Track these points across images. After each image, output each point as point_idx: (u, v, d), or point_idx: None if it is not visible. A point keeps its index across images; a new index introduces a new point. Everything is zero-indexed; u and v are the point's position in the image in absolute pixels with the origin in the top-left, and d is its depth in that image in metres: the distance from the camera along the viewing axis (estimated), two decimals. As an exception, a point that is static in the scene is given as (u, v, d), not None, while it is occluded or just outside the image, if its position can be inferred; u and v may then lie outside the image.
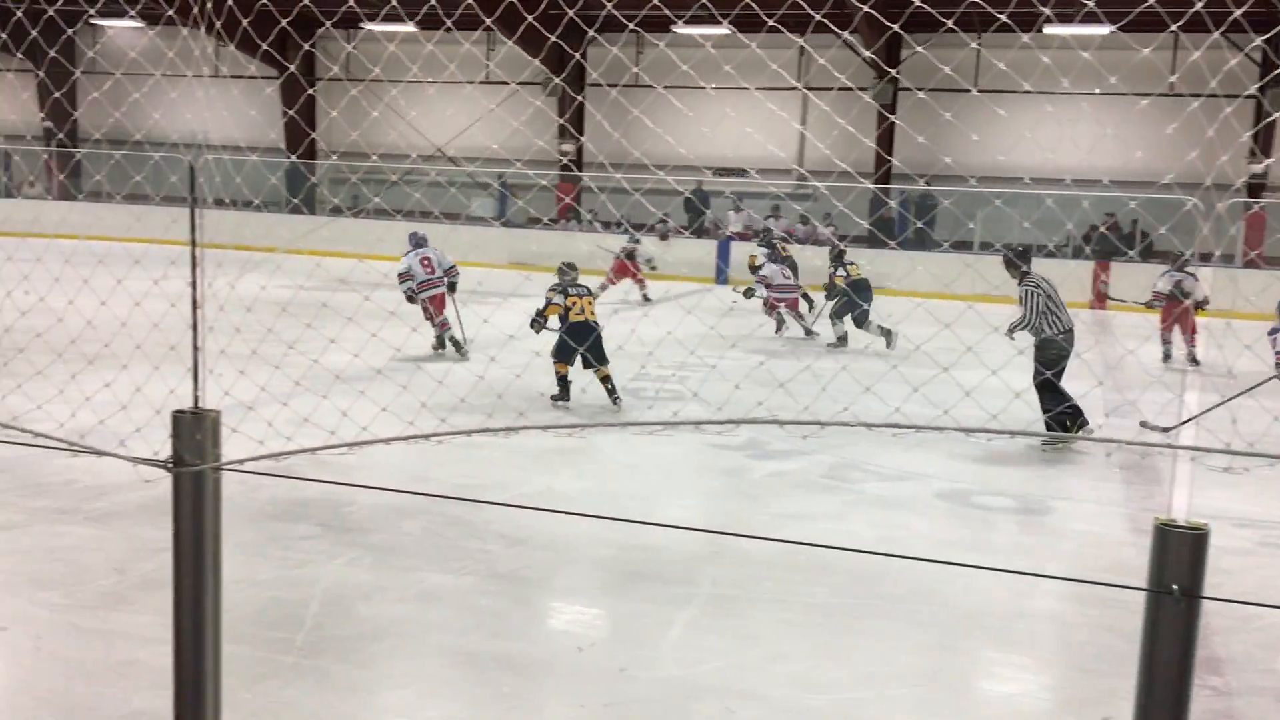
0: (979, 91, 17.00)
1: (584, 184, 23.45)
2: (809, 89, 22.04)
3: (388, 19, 20.75)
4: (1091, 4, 2.86)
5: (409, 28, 20.86)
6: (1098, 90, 17.55)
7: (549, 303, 9.67)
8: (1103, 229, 19.74)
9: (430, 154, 23.74)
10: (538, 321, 9.69)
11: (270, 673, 4.43)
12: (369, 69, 23.52)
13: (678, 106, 6.33)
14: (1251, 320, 10.06)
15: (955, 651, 5.04)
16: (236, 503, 6.49)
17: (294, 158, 23.04)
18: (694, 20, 15.87)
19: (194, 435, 1.45)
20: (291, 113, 23.29)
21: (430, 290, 11.72)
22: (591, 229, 21.89)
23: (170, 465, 1.46)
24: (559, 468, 7.70)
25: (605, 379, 9.44)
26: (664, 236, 18.42)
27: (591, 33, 3.35)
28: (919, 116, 17.55)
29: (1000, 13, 2.70)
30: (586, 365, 9.37)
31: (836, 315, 13.57)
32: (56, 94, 23.37)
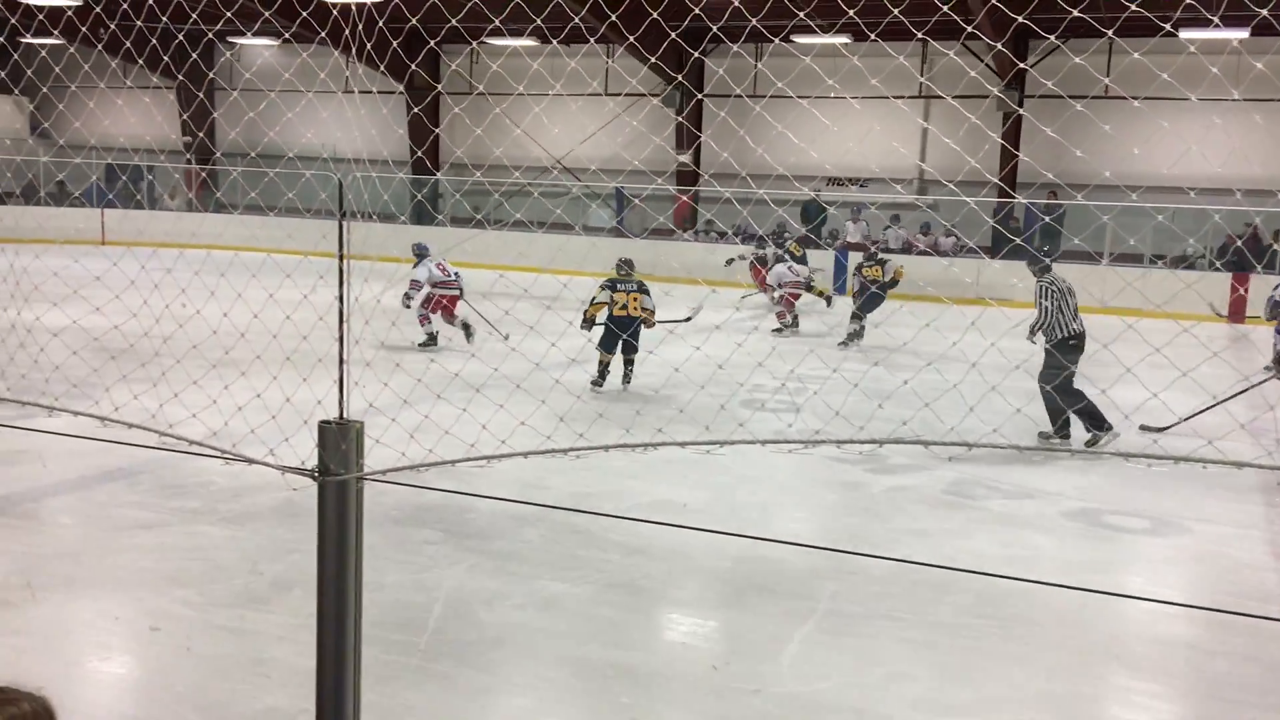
0: (1138, 101, 16.45)
1: (702, 192, 23.46)
2: (929, 96, 21.67)
3: (504, 34, 21.16)
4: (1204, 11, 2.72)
5: (527, 41, 21.23)
6: (1236, 95, 16.83)
7: (594, 300, 10.60)
8: (1239, 242, 18.90)
9: (547, 165, 24.06)
10: (587, 322, 10.55)
11: (394, 674, 4.53)
12: (493, 82, 23.95)
13: (798, 112, 6.28)
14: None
15: (1085, 678, 4.87)
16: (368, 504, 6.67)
17: (439, 174, 23.58)
18: (804, 29, 15.75)
19: (339, 445, 1.49)
20: (438, 130, 23.86)
21: (448, 290, 12.87)
22: (709, 238, 21.89)
23: (316, 474, 1.49)
24: (675, 478, 7.69)
25: (629, 362, 10.68)
26: (729, 261, 18.28)
27: (715, 30, 3.34)
28: (1045, 122, 17.06)
29: (1133, 12, 2.60)
30: (624, 351, 10.62)
31: (858, 311, 14.31)
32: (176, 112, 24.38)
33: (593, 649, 4.93)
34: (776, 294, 15.21)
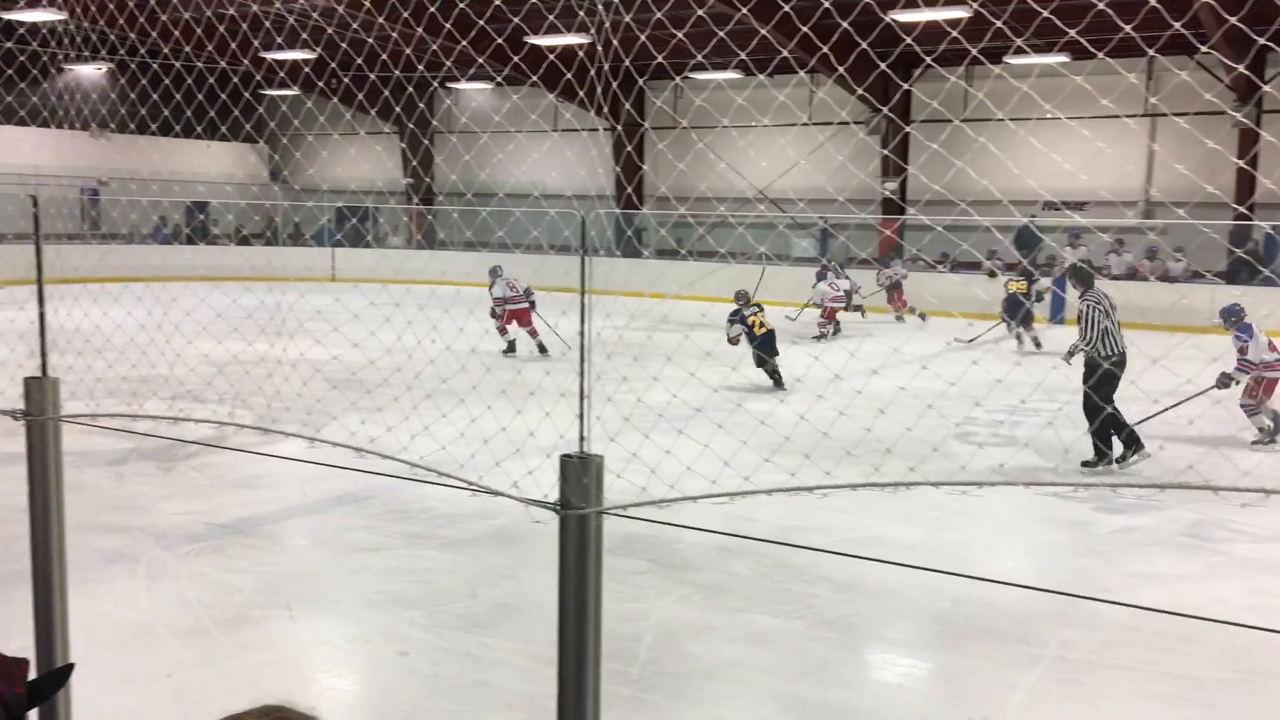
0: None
1: (908, 221, 22.98)
2: (1153, 115, 20.53)
3: (714, 66, 21.36)
4: None
5: (730, 74, 21.37)
6: None
7: (735, 337, 12.34)
8: None
9: (751, 196, 24.10)
10: (739, 331, 12.47)
11: (609, 704, 4.53)
12: (697, 116, 24.23)
13: (1008, 136, 6.05)
14: None
15: (1354, 744, 4.42)
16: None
17: (684, 211, 24.04)
18: (1019, 50, 15.21)
19: (580, 479, 1.50)
20: (646, 167, 24.37)
21: (516, 305, 14.86)
22: (916, 268, 21.36)
23: (558, 508, 1.51)
24: (886, 512, 7.49)
25: (774, 371, 12.32)
26: (991, 274, 17.66)
27: (929, 60, 3.25)
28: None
29: None
30: (768, 357, 12.30)
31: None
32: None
33: (805, 686, 4.83)
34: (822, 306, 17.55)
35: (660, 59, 3.94)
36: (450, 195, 30.47)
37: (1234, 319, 9.96)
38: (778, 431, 2.68)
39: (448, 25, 4.97)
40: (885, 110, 17.60)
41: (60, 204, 26.36)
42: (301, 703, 1.66)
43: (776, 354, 12.36)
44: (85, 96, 29.08)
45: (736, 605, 5.77)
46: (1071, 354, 9.21)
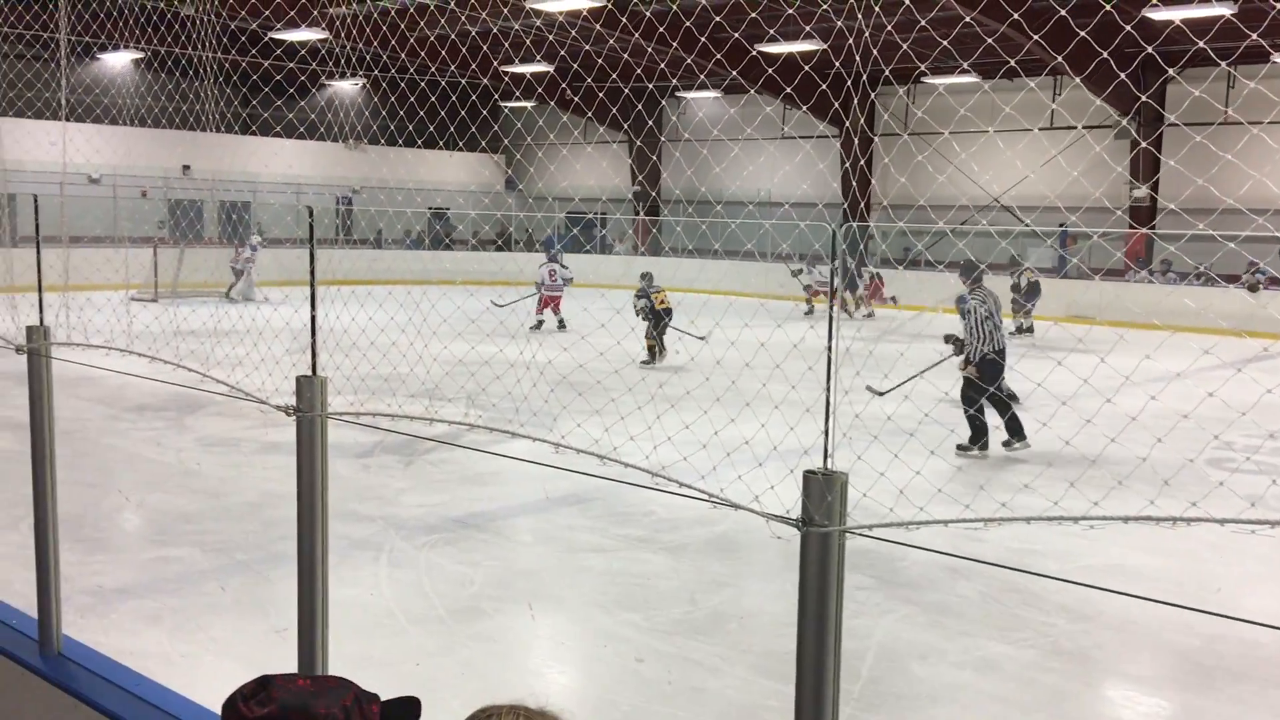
0: None
1: (1154, 232, 21.60)
2: None
3: (946, 71, 20.74)
4: None
5: (963, 78, 20.69)
6: None
7: (640, 309, 14.08)
8: None
9: (985, 204, 23.26)
10: (643, 304, 14.24)
11: (828, 721, 4.48)
12: (928, 121, 23.61)
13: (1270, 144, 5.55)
14: None
15: None
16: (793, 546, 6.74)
17: (944, 224, 23.69)
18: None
19: (824, 497, 1.47)
20: (878, 179, 24.03)
21: (552, 292, 18.05)
22: (1167, 279, 20.07)
23: (800, 524, 1.49)
24: (1129, 540, 7.02)
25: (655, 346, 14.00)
26: (1253, 289, 16.36)
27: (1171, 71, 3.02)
28: None
29: None
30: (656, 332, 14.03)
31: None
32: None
33: (1038, 719, 4.60)
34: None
35: (887, 69, 3.85)
36: (675, 203, 30.87)
37: (970, 279, 9.92)
38: (1037, 458, 2.56)
39: (670, 34, 5.03)
40: (1126, 122, 16.61)
41: (318, 212, 28.32)
42: (529, 698, 1.71)
43: (664, 332, 13.98)
44: (343, 110, 31.20)
45: (964, 629, 5.56)
46: (966, 362, 9.45)
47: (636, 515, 7.47)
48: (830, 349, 1.49)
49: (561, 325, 17.99)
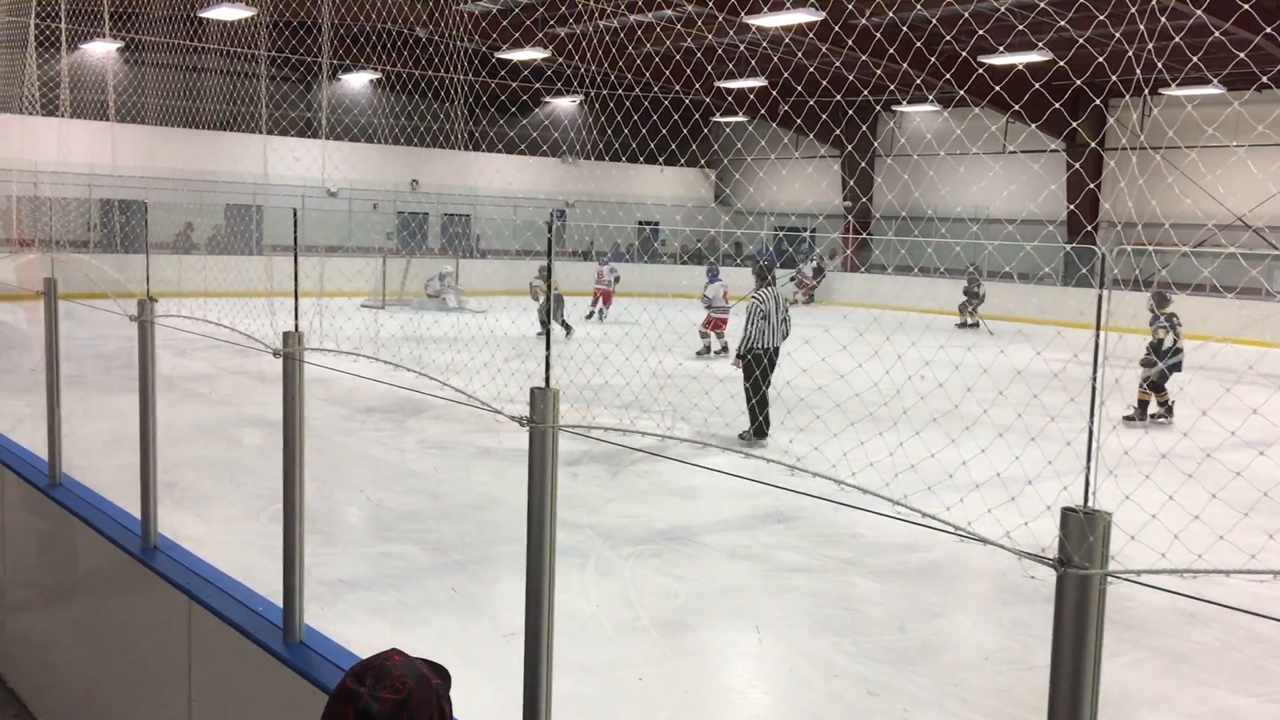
0: None
1: None
2: None
3: (1189, 82, 19.50)
4: None
5: (1214, 89, 19.38)
6: None
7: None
8: None
9: (1229, 223, 21.71)
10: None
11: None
12: (1165, 135, 22.27)
13: None
14: None
15: None
16: (1011, 579, 6.45)
17: (1235, 248, 22.63)
18: None
19: (1084, 536, 1.39)
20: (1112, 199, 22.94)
21: (719, 314, 17.04)
22: None
23: (1058, 565, 1.41)
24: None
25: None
26: None
27: None
28: None
29: None
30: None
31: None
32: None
33: (1287, 785, 4.22)
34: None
35: (1113, 79, 3.61)
36: (887, 218, 30.26)
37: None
38: None
39: (889, 47, 4.90)
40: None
41: (532, 226, 29.32)
42: (736, 715, 1.67)
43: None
44: (560, 127, 32.16)
45: (1200, 677, 5.18)
46: (738, 355, 10.33)
47: (843, 536, 7.33)
48: (1095, 376, 1.40)
49: (724, 350, 16.63)
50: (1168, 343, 11.68)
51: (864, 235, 30.29)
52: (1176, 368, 11.63)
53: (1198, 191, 21.70)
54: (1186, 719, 4.74)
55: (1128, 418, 11.14)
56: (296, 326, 2.98)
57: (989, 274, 23.14)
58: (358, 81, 29.44)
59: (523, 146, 30.82)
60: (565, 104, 32.71)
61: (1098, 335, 1.42)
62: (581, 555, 6.72)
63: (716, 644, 5.53)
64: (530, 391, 2.12)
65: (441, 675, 1.64)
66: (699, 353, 16.47)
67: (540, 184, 31.70)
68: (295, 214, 3.01)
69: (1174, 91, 19.48)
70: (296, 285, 3.05)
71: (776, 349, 10.24)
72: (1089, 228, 22.67)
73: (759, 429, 9.85)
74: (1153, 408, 11.40)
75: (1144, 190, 22.45)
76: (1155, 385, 11.42)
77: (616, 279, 21.96)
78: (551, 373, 2.15)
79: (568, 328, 18.07)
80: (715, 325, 16.97)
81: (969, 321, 21.65)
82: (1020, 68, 4.72)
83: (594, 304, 21.55)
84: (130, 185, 21.43)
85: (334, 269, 15.50)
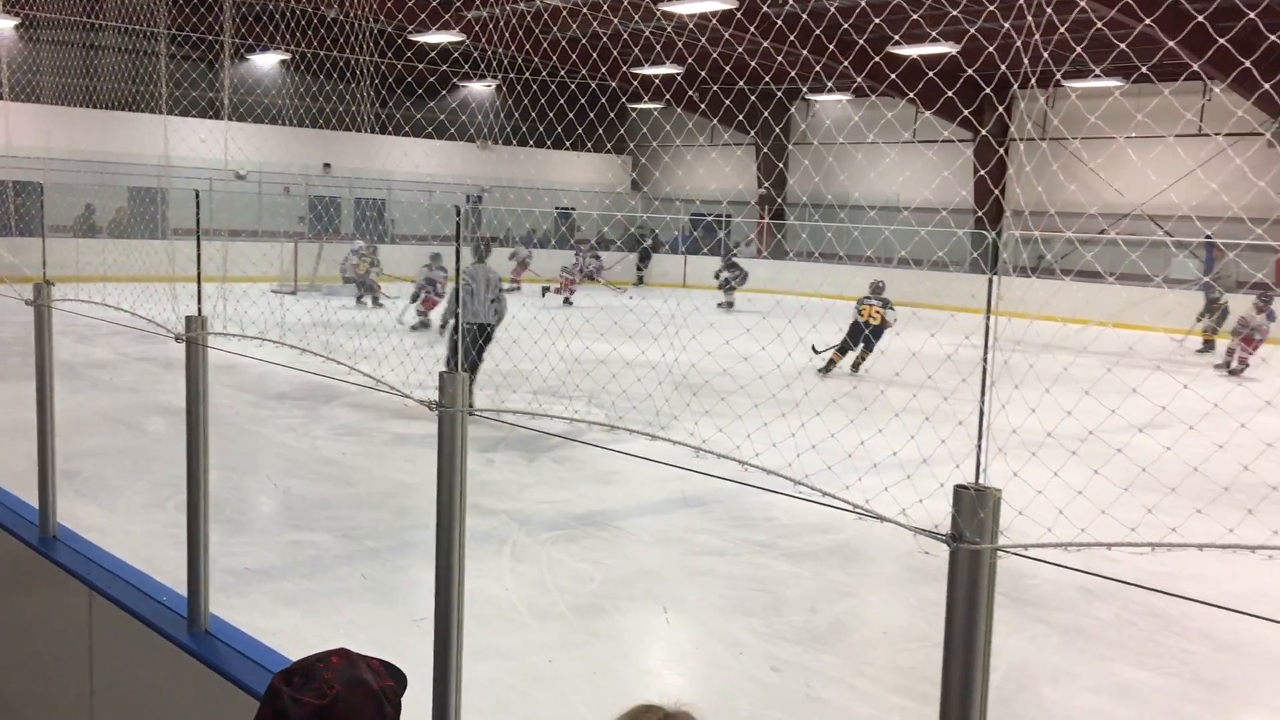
0: None
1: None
2: None
3: (1085, 75, 20.05)
4: None
5: (1110, 82, 19.97)
6: None
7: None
8: None
9: (1126, 213, 22.43)
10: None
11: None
12: (1065, 126, 22.89)
13: None
14: None
15: None
16: (918, 559, 6.60)
17: (1110, 231, 23.15)
18: None
19: (975, 513, 1.43)
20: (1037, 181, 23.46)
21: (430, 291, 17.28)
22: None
23: (950, 540, 1.45)
24: (1277, 567, 6.67)
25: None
26: None
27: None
28: None
29: None
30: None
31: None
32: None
33: (1177, 751, 4.41)
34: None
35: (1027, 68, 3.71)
36: (800, 206, 30.61)
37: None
38: (1215, 480, 2.46)
39: (800, 37, 4.96)
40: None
41: (441, 210, 29.03)
42: (656, 698, 1.71)
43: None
44: (476, 111, 31.85)
45: (1098, 652, 5.37)
46: (443, 324, 11.27)
47: (757, 520, 7.43)
48: (985, 358, 1.45)
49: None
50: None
51: (766, 221, 30.62)
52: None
53: (1101, 181, 22.35)
54: (1086, 692, 4.91)
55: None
56: (200, 311, 2.93)
57: (897, 262, 23.56)
58: (266, 62, 28.78)
59: (436, 130, 30.48)
60: (480, 88, 32.40)
61: (988, 319, 1.47)
62: (498, 541, 6.71)
63: (631, 627, 5.57)
64: (439, 376, 2.12)
65: (396, 678, 1.61)
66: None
67: (455, 169, 31.36)
68: (198, 196, 2.95)
69: (1079, 84, 20.04)
70: (200, 269, 2.99)
71: (483, 325, 10.62)
72: (979, 214, 23.26)
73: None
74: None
75: (1055, 178, 23.06)
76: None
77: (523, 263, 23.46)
78: (460, 358, 2.15)
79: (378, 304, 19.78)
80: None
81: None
82: (916, 58, 4.80)
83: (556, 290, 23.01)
84: (26, 166, 20.70)
85: (238, 252, 15.17)
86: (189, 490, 3.01)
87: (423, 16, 19.13)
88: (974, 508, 1.43)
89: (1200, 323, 18.25)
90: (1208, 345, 18.21)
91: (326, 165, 29.20)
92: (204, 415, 2.94)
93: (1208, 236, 21.57)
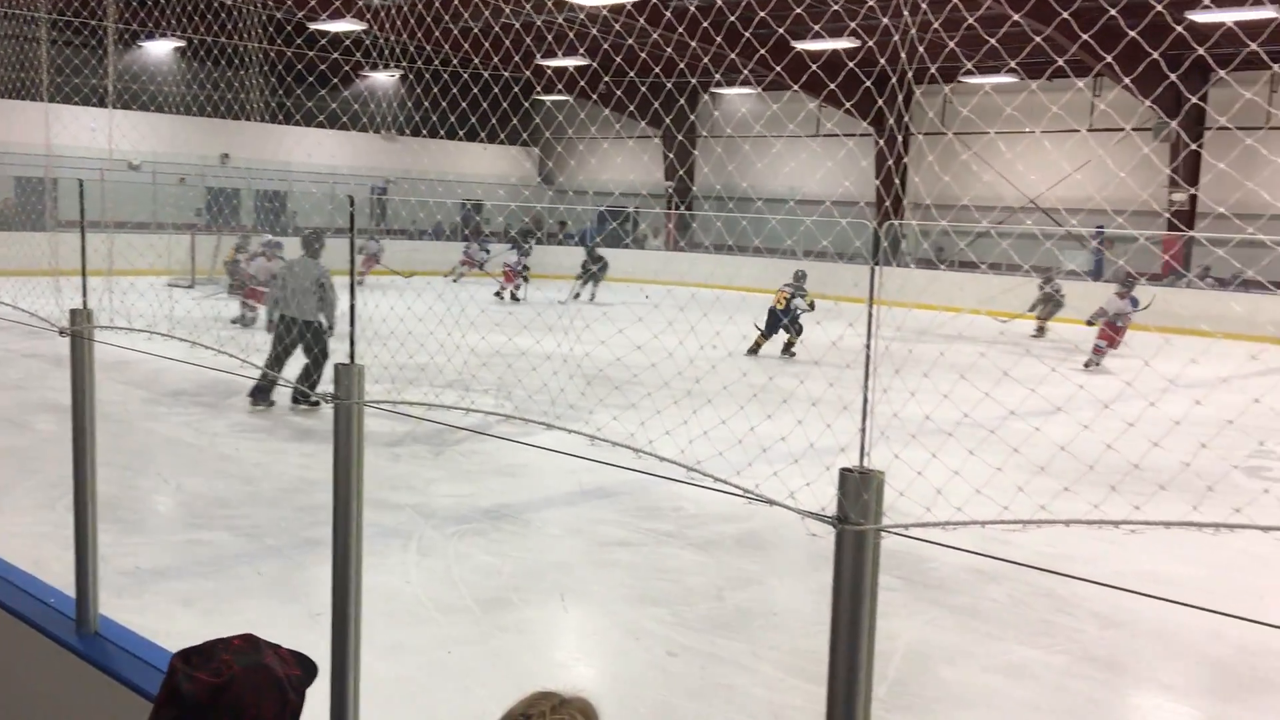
0: None
1: (1193, 239, 21.36)
2: None
3: (988, 71, 20.57)
4: None
5: (1004, 78, 20.50)
6: None
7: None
8: None
9: (1022, 205, 23.07)
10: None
11: (854, 721, 4.47)
12: (967, 119, 23.44)
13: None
14: None
15: None
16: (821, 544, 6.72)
17: (986, 223, 23.58)
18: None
19: (860, 495, 1.47)
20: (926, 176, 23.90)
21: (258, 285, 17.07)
22: (1204, 284, 19.86)
23: (835, 522, 1.49)
24: (1163, 548, 6.96)
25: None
26: None
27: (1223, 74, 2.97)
28: None
29: None
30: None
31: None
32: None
33: (1066, 726, 4.57)
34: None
35: (932, 67, 3.80)
36: (712, 199, 30.82)
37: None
38: (1081, 460, 2.55)
39: (711, 31, 5.01)
40: (1173, 125, 16.41)
41: (341, 202, 28.54)
42: (557, 688, 1.72)
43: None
44: (379, 101, 31.36)
45: (992, 632, 5.53)
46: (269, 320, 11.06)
47: (665, 510, 7.47)
48: (868, 345, 1.49)
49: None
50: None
51: (672, 210, 30.79)
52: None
53: (999, 175, 22.94)
54: (981, 671, 5.05)
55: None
56: (85, 303, 2.84)
57: (803, 254, 23.87)
58: (160, 49, 27.95)
59: (342, 120, 29.92)
60: (384, 78, 31.92)
61: (870, 306, 1.51)
62: (403, 536, 6.64)
63: (538, 619, 5.57)
64: (334, 368, 2.09)
65: (305, 668, 1.59)
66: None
67: (359, 160, 30.86)
68: (81, 185, 2.86)
69: (976, 80, 20.50)
70: (85, 261, 2.90)
71: (297, 320, 9.83)
72: (861, 204, 23.72)
73: (258, 388, 9.91)
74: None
75: (955, 172, 23.58)
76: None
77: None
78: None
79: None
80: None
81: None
82: (806, 52, 4.89)
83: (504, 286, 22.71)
84: (-101, 155, 19.75)
85: (127, 244, 14.68)
86: (75, 488, 2.92)
87: (312, 3, 18.74)
88: (858, 490, 1.47)
89: (1035, 310, 19.15)
90: (1040, 331, 19.08)
91: (225, 156, 28.49)
92: (90, 410, 2.85)
93: (1099, 228, 22.30)
